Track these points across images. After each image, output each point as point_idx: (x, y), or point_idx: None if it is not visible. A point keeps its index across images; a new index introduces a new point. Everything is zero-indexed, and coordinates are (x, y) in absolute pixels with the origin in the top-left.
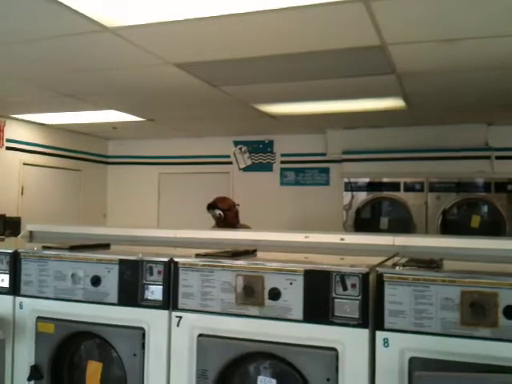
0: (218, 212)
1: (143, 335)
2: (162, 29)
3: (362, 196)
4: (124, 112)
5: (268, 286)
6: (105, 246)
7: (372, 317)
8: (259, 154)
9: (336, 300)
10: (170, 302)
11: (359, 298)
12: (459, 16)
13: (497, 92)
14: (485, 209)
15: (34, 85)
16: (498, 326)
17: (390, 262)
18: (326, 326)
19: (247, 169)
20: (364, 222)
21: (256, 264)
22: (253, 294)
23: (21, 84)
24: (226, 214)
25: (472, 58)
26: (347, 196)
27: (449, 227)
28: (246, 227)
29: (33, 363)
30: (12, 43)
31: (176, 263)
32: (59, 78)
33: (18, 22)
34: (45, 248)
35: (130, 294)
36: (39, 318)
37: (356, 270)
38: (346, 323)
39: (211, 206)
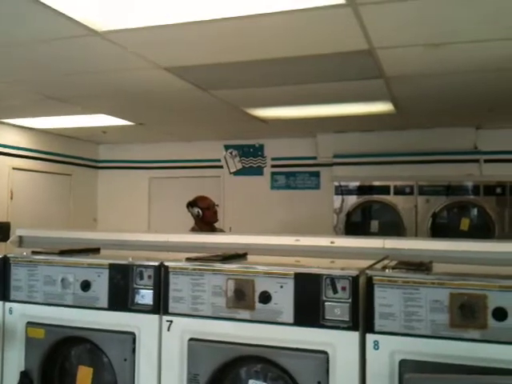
0: (196, 210)
1: (134, 340)
2: (152, 33)
3: (353, 199)
4: (114, 116)
5: (258, 289)
6: (95, 251)
7: (362, 319)
8: (250, 158)
9: (326, 303)
10: (160, 306)
11: (349, 300)
12: (447, 20)
13: (485, 95)
14: (474, 212)
15: (23, 88)
16: (487, 328)
17: (379, 265)
18: (316, 328)
19: (238, 173)
20: (354, 225)
21: (246, 268)
22: (243, 298)
23: (10, 87)
24: (204, 213)
25: (460, 62)
26: (338, 199)
27: (438, 230)
28: (221, 231)
29: (23, 369)
30: (1, 46)
31: (166, 267)
32: (49, 81)
33: (6, 25)
34: (34, 253)
35: (121, 299)
36: (29, 324)
37: (346, 273)
38: (336, 326)
39: (190, 204)
